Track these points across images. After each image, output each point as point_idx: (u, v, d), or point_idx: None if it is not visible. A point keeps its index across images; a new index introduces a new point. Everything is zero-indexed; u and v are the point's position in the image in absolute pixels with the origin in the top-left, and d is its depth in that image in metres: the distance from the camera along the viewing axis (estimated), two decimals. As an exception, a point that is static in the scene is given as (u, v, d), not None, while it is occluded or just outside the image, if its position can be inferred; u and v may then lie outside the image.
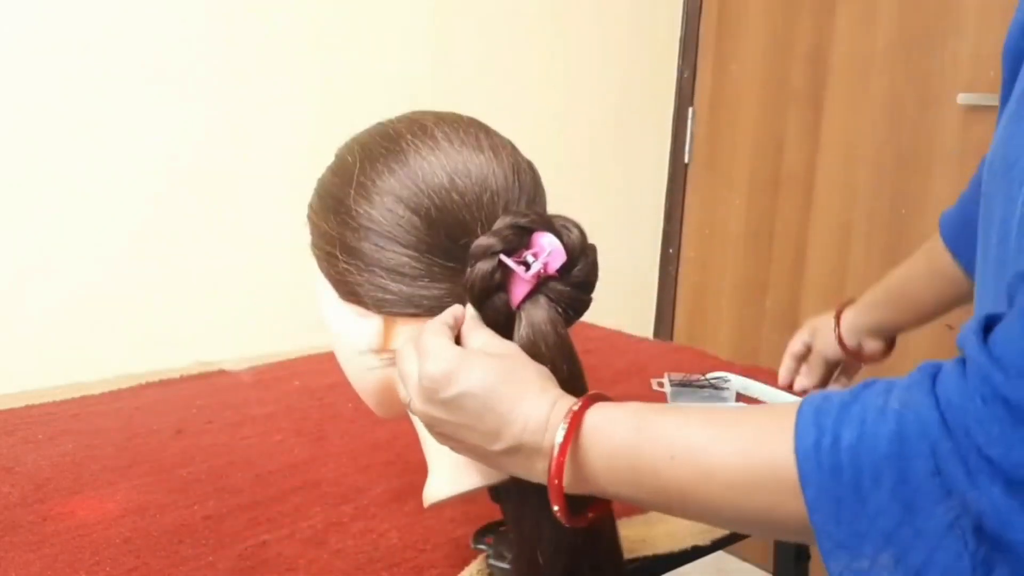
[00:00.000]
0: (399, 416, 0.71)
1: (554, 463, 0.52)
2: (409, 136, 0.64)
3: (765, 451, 0.47)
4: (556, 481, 0.52)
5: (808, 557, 1.14)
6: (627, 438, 0.52)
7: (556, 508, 0.53)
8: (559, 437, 0.52)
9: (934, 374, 0.44)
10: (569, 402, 0.55)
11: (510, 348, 0.59)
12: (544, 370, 0.58)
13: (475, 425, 0.55)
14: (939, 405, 0.43)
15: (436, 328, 0.59)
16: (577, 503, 0.55)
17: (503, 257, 0.60)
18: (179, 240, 1.57)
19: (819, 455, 0.45)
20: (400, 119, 0.68)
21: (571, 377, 0.61)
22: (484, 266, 0.60)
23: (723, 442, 0.49)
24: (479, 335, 0.60)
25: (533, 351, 0.60)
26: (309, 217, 0.69)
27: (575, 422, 0.53)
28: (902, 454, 0.43)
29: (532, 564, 0.61)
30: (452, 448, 0.59)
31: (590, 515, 0.56)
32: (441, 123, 0.65)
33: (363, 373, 0.69)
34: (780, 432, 0.47)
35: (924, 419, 0.43)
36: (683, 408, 0.54)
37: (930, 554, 0.42)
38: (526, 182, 0.65)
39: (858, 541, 0.44)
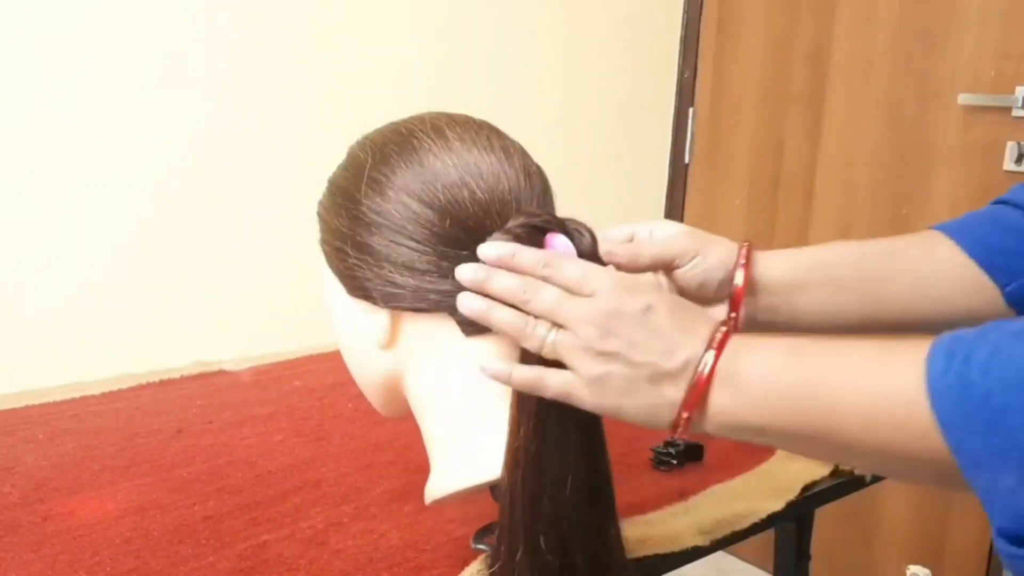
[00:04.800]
0: (402, 414, 0.71)
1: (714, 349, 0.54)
2: (422, 134, 0.65)
3: (896, 374, 0.48)
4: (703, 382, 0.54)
5: (808, 557, 1.14)
6: (776, 368, 0.53)
7: (684, 407, 0.55)
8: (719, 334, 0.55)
9: None
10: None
11: None
12: None
13: (652, 340, 0.55)
14: None
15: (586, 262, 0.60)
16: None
17: None
18: (179, 240, 1.57)
19: (949, 374, 0.45)
20: (412, 119, 0.68)
21: None
22: None
23: (853, 373, 0.50)
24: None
25: None
26: (319, 213, 0.69)
27: (725, 339, 0.55)
28: None
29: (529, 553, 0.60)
30: (600, 389, 0.57)
31: (685, 416, 0.56)
32: (453, 124, 0.66)
33: (369, 369, 0.69)
34: (914, 357, 0.47)
35: None
36: (824, 345, 0.54)
37: None
38: (536, 184, 0.66)
39: (999, 458, 0.43)
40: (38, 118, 1.41)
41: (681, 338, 0.55)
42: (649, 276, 0.69)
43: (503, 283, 0.59)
